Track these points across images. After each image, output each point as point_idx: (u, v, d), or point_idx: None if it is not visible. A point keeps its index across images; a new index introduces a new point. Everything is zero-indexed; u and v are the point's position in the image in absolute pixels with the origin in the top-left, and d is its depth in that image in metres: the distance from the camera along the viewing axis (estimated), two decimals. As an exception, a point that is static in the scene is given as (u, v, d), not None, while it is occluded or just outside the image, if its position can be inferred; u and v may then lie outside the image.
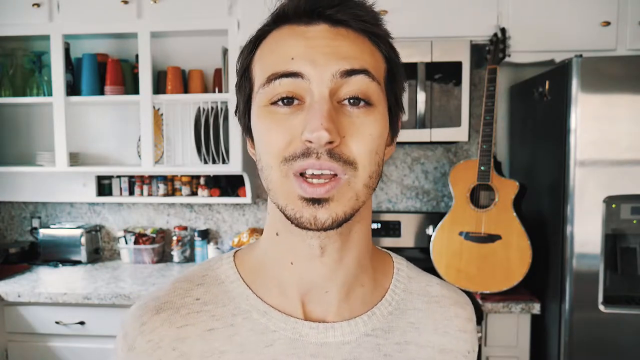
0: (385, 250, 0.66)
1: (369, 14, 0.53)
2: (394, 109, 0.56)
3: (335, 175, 0.49)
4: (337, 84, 0.50)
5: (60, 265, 2.45)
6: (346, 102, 0.51)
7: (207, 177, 2.47)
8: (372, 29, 0.53)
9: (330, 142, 0.48)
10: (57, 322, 2.03)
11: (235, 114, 0.60)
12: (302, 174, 0.50)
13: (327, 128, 0.47)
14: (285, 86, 0.50)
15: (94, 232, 2.57)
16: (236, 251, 0.63)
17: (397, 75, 0.56)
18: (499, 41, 2.00)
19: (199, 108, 2.31)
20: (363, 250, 0.58)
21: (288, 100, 0.50)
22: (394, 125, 0.57)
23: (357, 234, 0.56)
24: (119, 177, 2.53)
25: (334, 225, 0.50)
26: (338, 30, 0.52)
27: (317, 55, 0.50)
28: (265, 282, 0.59)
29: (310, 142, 0.48)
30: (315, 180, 0.49)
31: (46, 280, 2.19)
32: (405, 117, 2.09)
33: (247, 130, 0.57)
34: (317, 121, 0.47)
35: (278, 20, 0.54)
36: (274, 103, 0.51)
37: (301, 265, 0.56)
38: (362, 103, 0.51)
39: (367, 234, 0.59)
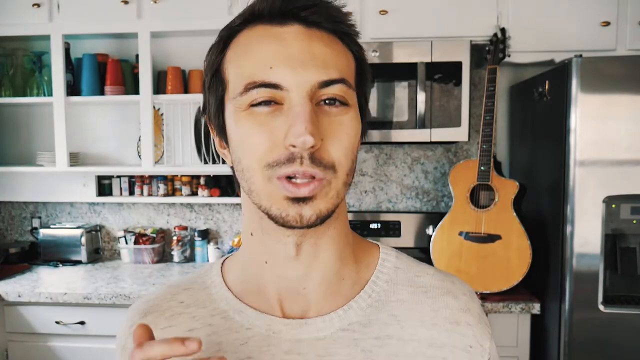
0: (374, 242, 0.65)
1: (341, 15, 0.54)
2: (364, 107, 0.57)
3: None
4: (315, 92, 0.50)
5: (60, 265, 2.45)
6: (323, 103, 0.51)
7: (207, 177, 2.47)
8: (344, 29, 0.54)
9: (313, 146, 0.48)
10: (57, 322, 2.03)
11: (203, 115, 0.60)
12: (286, 177, 0.50)
13: (311, 132, 0.48)
14: (263, 94, 0.50)
15: (94, 232, 2.57)
16: (225, 258, 0.65)
17: (366, 73, 0.57)
18: (499, 41, 2.00)
19: (199, 108, 2.31)
20: (342, 244, 0.58)
21: (266, 103, 0.50)
22: (363, 124, 0.58)
23: (334, 229, 0.57)
24: (119, 177, 2.53)
25: (318, 221, 0.51)
26: (312, 31, 0.52)
27: (296, 65, 0.50)
28: (246, 284, 0.60)
29: (294, 146, 0.48)
30: (299, 181, 0.50)
31: (46, 280, 2.19)
32: (405, 117, 2.11)
33: (220, 131, 0.56)
34: (301, 125, 0.48)
35: (250, 19, 0.54)
36: (254, 105, 0.51)
37: (276, 264, 0.56)
38: (337, 103, 0.51)
39: (345, 227, 0.59)
